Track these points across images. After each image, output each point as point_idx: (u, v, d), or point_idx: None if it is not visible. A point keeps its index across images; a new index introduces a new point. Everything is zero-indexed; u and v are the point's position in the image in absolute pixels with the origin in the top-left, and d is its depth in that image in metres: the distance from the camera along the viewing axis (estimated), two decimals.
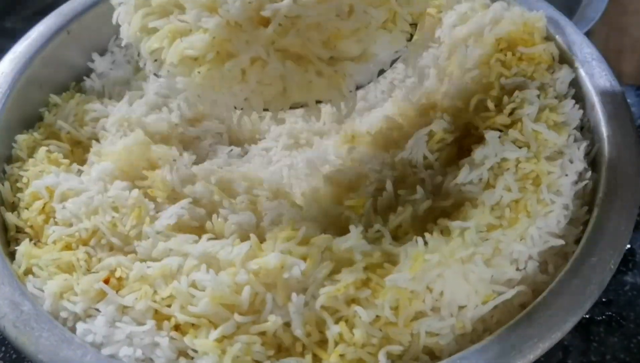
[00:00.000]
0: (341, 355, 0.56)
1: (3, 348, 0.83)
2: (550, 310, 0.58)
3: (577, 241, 0.63)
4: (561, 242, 0.63)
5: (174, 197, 0.68)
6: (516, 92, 0.70)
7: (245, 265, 0.59)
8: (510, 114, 0.70)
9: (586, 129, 0.72)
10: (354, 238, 0.61)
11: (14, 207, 0.69)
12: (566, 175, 0.66)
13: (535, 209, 0.63)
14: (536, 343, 0.56)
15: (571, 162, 0.68)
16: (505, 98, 0.70)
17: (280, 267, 0.58)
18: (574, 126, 0.71)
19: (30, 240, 0.66)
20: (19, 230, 0.68)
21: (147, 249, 0.62)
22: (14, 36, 0.81)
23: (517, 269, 0.61)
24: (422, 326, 0.57)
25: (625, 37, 1.07)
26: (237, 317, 0.56)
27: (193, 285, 0.58)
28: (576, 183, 0.67)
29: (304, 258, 0.60)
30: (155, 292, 0.58)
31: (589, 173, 0.68)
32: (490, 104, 0.70)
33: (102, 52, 0.87)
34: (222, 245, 0.61)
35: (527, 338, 0.56)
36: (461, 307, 0.58)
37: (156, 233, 0.63)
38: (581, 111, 0.72)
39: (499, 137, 0.67)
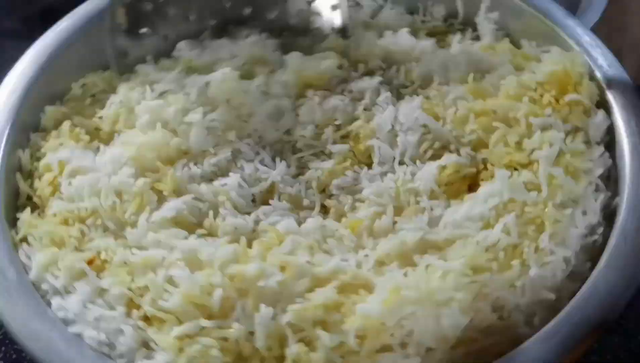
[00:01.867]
0: None
1: (3, 349, 0.83)
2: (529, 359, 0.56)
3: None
4: (552, 296, 0.59)
5: (179, 193, 0.68)
6: (538, 132, 0.67)
7: (223, 268, 0.59)
8: (530, 154, 0.67)
9: (613, 180, 0.68)
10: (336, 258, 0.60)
11: (29, 175, 0.72)
12: (576, 227, 0.63)
13: (532, 257, 0.60)
14: None
15: (585, 213, 0.64)
16: (527, 138, 0.68)
17: (258, 276, 0.58)
18: (597, 174, 0.67)
19: (35, 209, 0.68)
20: (29, 198, 0.70)
21: (137, 237, 0.63)
22: (14, 36, 0.82)
23: (500, 317, 0.59)
24: (386, 360, 0.56)
25: (625, 37, 1.04)
26: (203, 322, 0.56)
27: (169, 280, 0.59)
28: (585, 236, 0.63)
29: (283, 269, 0.60)
30: (132, 280, 0.59)
31: (602, 228, 0.64)
32: (511, 141, 0.68)
33: None
34: (209, 244, 0.62)
35: None
36: (430, 349, 0.57)
37: (150, 223, 0.64)
38: (610, 161, 0.69)
39: (509, 177, 0.65)
